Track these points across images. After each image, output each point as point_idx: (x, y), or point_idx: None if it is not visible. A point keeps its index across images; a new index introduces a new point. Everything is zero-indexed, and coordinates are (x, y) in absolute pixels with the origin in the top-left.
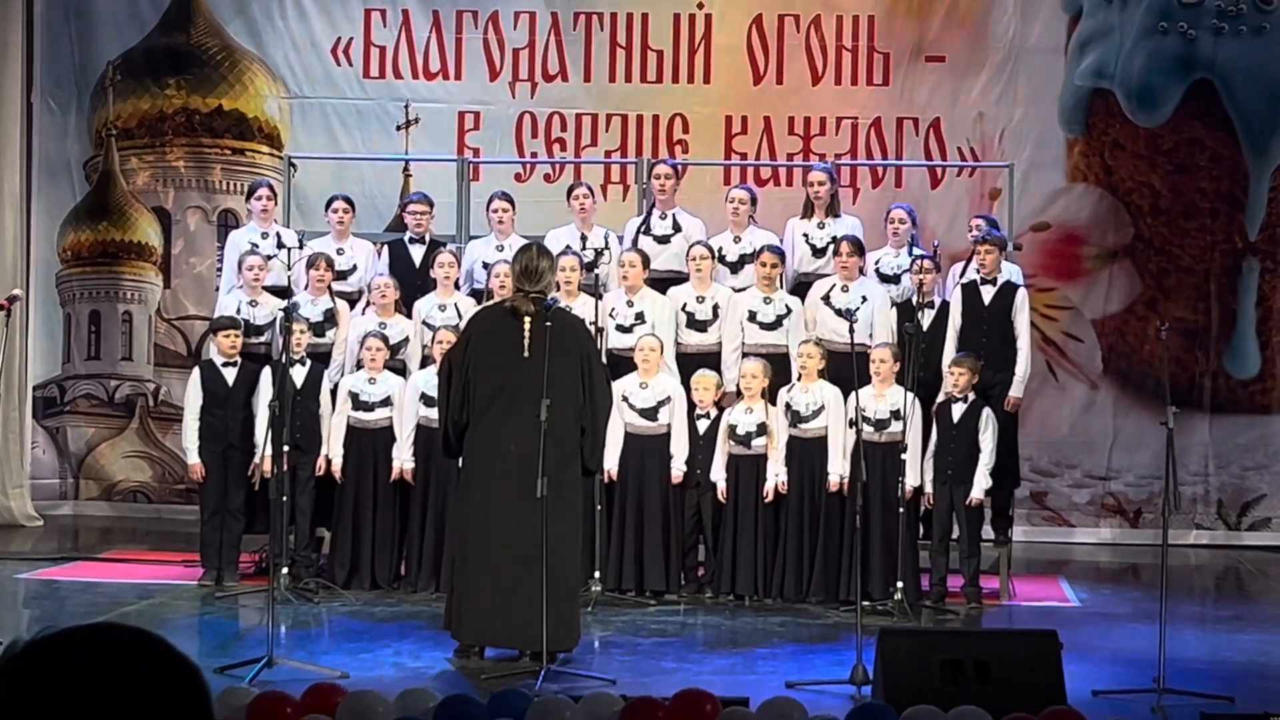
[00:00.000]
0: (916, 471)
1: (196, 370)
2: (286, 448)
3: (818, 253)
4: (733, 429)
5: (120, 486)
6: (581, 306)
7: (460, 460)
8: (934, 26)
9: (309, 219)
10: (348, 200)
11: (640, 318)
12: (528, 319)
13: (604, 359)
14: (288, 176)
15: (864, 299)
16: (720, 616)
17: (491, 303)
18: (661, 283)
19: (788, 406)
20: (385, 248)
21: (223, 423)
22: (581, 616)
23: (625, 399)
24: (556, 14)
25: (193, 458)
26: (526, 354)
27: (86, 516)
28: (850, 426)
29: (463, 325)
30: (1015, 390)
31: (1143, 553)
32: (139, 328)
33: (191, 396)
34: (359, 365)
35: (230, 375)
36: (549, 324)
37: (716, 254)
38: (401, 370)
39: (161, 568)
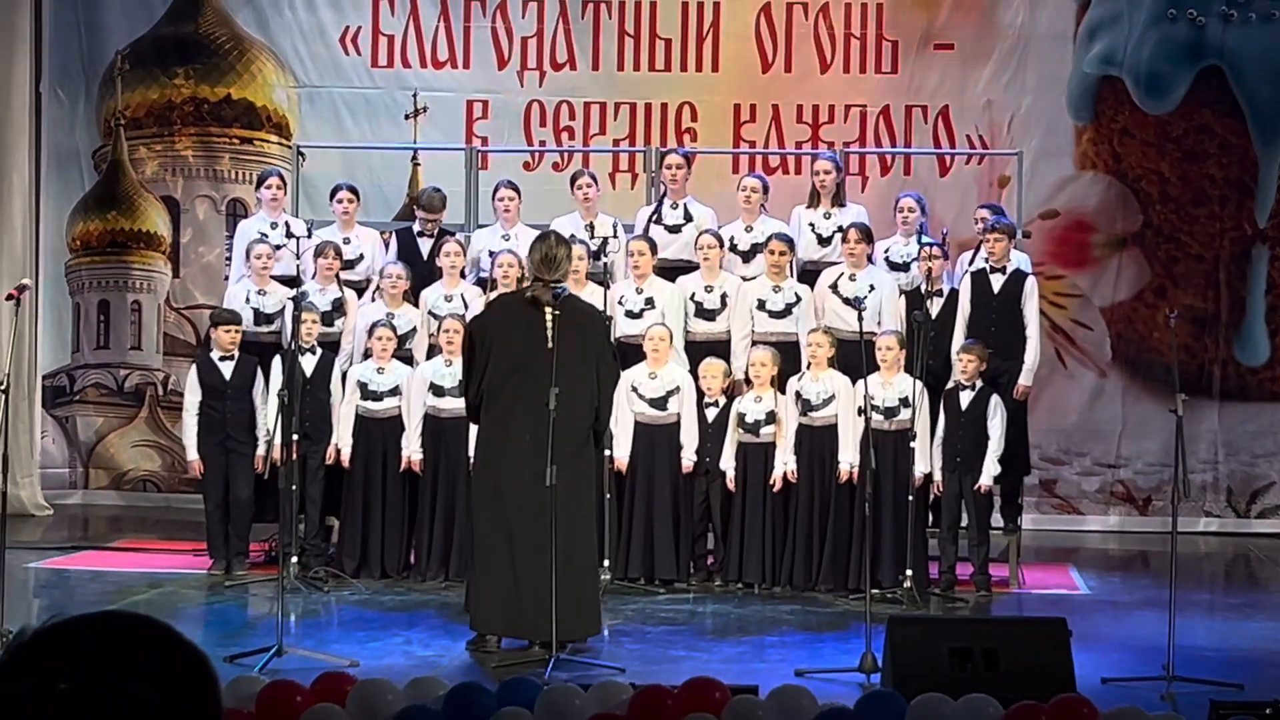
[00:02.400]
0: (925, 459)
1: (194, 366)
2: (296, 436)
3: (823, 241)
4: (741, 417)
5: (130, 475)
6: (589, 295)
7: (475, 449)
8: (942, 14)
9: (318, 208)
10: (352, 189)
11: (650, 303)
12: (549, 309)
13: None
14: (296, 166)
15: (872, 287)
16: (729, 605)
17: (510, 290)
18: (674, 272)
19: (798, 395)
20: (393, 236)
21: (220, 415)
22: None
23: (634, 389)
24: (564, 2)
25: (191, 454)
26: (550, 345)
27: (96, 505)
28: (859, 415)
29: (483, 306)
30: (1024, 378)
31: (1152, 540)
32: (148, 317)
33: (189, 391)
34: (367, 355)
35: (227, 369)
36: (558, 313)
37: (729, 243)
38: (409, 360)
39: (171, 557)
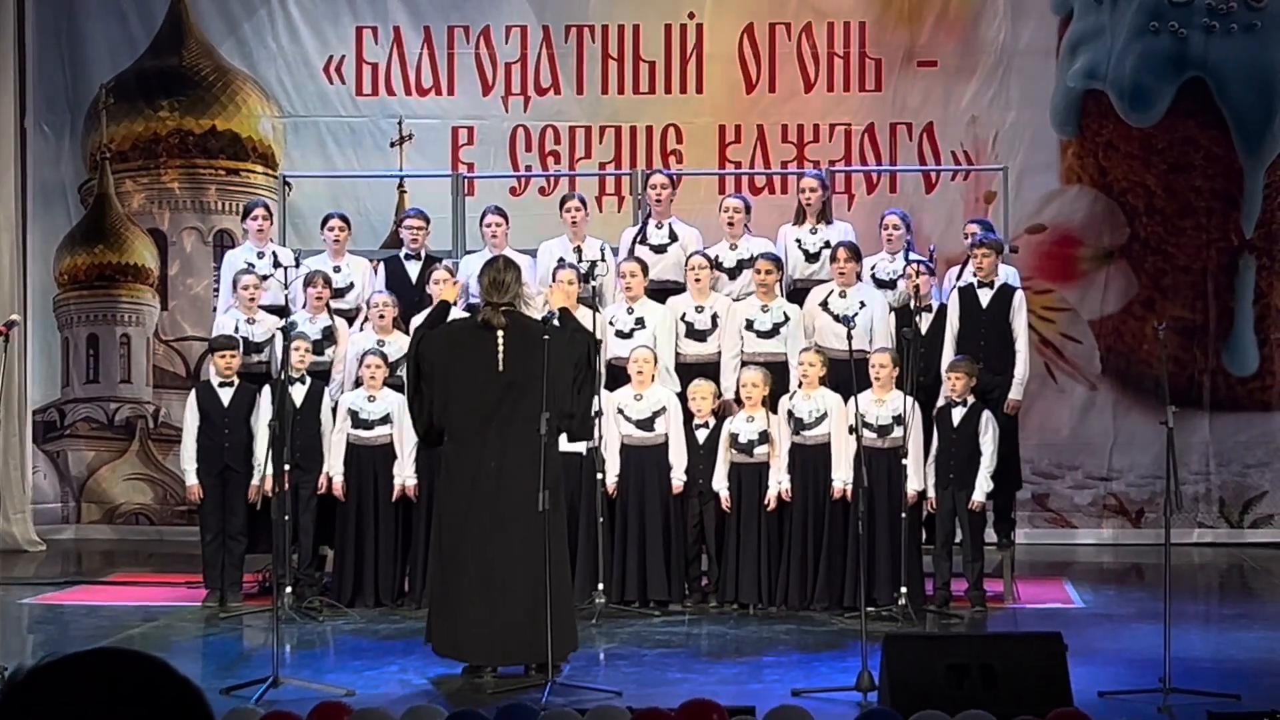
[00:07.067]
0: (918, 476)
1: (194, 392)
2: (287, 466)
3: (811, 258)
4: (734, 438)
5: (122, 509)
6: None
7: (440, 478)
8: (925, 31)
9: (305, 237)
10: (343, 218)
11: (641, 323)
12: (500, 333)
13: (602, 369)
14: (283, 195)
15: (862, 304)
16: (725, 626)
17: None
18: (659, 293)
19: (790, 414)
20: (381, 264)
21: (218, 443)
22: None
23: (620, 411)
24: (548, 27)
25: (190, 479)
26: (501, 369)
27: (89, 540)
28: (851, 433)
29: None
30: (1014, 393)
31: (1146, 553)
32: (137, 350)
33: (189, 417)
34: (358, 383)
35: (226, 396)
36: (503, 330)
37: (714, 262)
38: (400, 387)
39: (165, 590)
